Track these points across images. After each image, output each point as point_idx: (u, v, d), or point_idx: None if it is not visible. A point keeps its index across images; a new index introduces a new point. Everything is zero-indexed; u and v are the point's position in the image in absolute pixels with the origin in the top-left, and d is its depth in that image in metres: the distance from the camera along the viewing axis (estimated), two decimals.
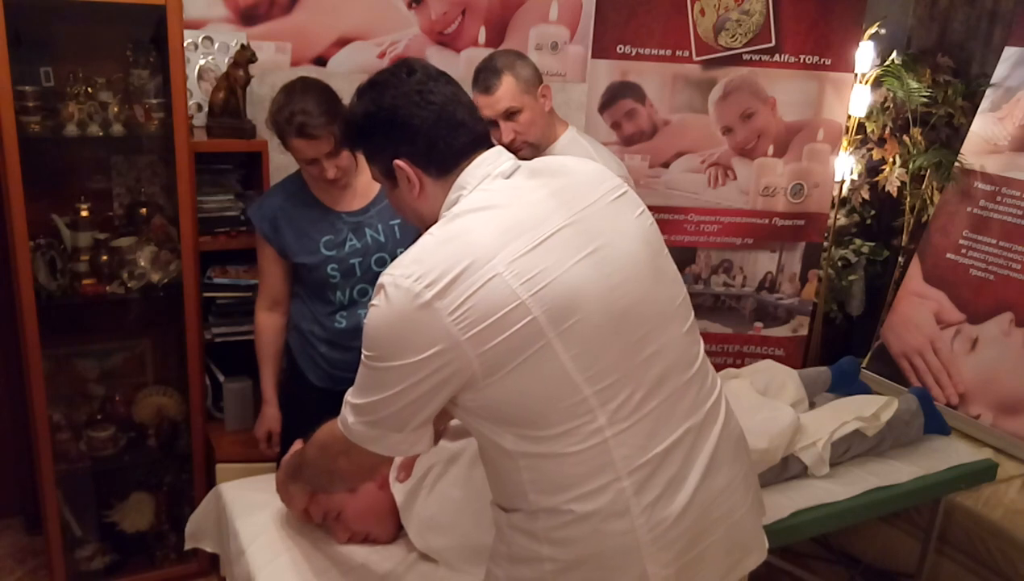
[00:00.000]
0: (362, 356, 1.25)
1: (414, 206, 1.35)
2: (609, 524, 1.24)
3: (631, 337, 1.26)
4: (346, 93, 2.17)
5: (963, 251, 3.12)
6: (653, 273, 1.32)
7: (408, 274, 1.19)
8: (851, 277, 3.72)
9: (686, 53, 3.05)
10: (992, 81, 3.22)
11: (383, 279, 1.21)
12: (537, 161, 1.40)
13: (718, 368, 1.57)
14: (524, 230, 1.22)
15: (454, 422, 1.83)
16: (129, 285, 2.44)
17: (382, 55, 3.05)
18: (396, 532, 1.84)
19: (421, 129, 1.28)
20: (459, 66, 3.12)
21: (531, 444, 1.23)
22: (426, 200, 1.33)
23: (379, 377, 1.23)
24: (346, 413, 1.31)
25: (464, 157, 1.30)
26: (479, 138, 1.33)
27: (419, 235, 2.42)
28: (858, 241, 3.74)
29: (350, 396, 1.30)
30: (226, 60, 2.69)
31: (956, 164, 3.20)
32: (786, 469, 2.13)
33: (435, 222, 1.30)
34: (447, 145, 1.29)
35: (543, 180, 1.32)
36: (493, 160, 1.31)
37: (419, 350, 1.18)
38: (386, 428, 1.27)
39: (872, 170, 3.62)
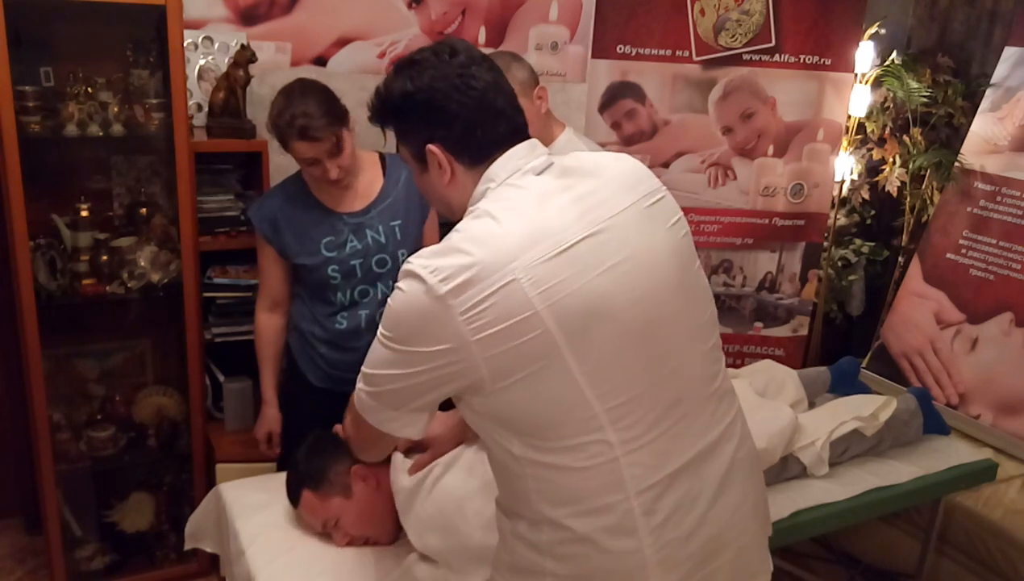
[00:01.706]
0: (379, 330, 1.23)
1: (442, 193, 1.29)
2: (616, 542, 1.21)
3: (651, 355, 1.22)
4: (346, 93, 2.19)
5: (963, 251, 3.12)
6: (680, 289, 1.26)
7: (427, 266, 1.16)
8: (851, 277, 3.72)
9: (686, 53, 3.05)
10: (992, 81, 3.22)
11: (409, 265, 1.19)
12: (571, 158, 1.33)
13: None
14: (547, 235, 1.17)
15: None
16: (129, 285, 2.44)
17: (382, 55, 3.05)
18: (396, 533, 1.84)
19: (460, 115, 1.22)
20: None
21: (539, 453, 1.21)
22: (456, 188, 1.28)
23: (389, 356, 1.21)
24: (359, 381, 1.29)
25: (499, 148, 1.25)
26: (517, 129, 1.28)
27: (422, 232, 2.39)
28: (858, 241, 3.74)
29: (364, 365, 1.28)
30: (226, 60, 2.69)
31: (956, 164, 3.19)
32: (785, 469, 2.13)
33: (462, 210, 1.27)
34: (484, 134, 1.24)
35: (574, 180, 1.25)
36: (525, 154, 1.26)
37: (429, 343, 1.16)
38: (383, 402, 1.25)
39: (872, 170, 3.62)
